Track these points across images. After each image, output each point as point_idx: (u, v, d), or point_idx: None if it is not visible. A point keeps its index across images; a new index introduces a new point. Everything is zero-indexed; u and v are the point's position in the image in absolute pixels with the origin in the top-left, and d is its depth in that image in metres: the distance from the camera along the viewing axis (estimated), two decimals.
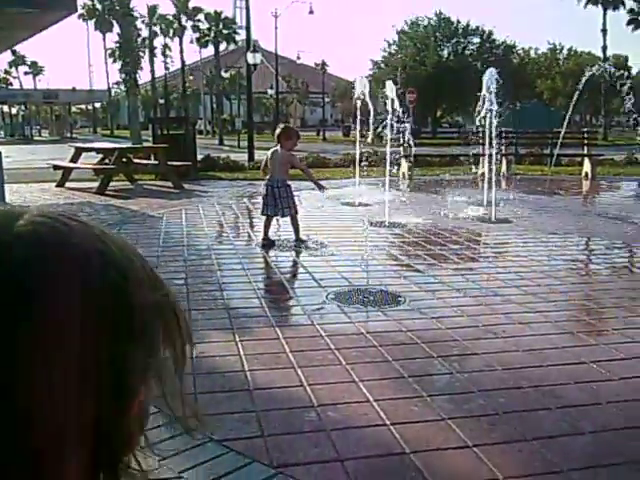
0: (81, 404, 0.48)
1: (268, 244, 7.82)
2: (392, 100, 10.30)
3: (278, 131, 8.02)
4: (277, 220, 8.28)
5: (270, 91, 52.04)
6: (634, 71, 59.54)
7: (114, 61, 55.34)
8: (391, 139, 10.55)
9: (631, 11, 49.66)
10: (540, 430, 3.25)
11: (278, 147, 7.85)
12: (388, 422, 3.29)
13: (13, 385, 0.46)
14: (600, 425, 3.31)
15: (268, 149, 8.25)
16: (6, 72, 72.09)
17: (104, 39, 65.12)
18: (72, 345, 0.48)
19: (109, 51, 60.84)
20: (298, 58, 62.46)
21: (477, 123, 11.23)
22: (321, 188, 8.19)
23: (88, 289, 0.49)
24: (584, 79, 13.35)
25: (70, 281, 0.49)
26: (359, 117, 12.16)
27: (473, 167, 11.84)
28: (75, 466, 0.50)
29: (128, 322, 0.51)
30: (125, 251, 0.54)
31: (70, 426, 0.48)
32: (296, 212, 7.95)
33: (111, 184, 13.54)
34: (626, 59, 59.01)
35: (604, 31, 46.62)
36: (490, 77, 10.82)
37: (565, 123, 14.79)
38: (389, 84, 10.73)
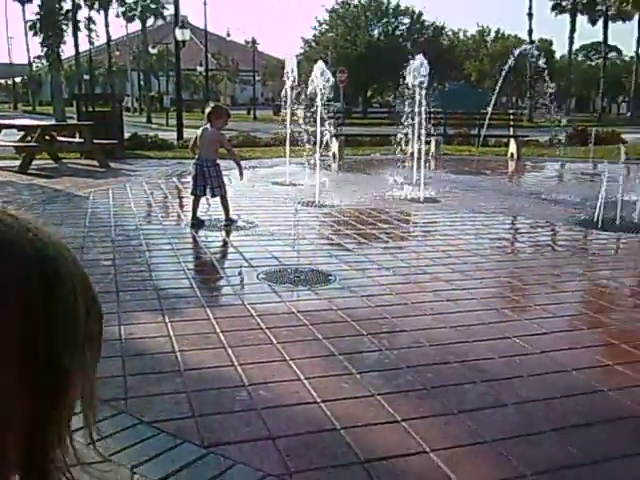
0: (16, 402, 0.48)
1: (197, 224, 7.73)
2: (322, 77, 10.27)
3: (208, 110, 7.89)
4: (207, 200, 8.19)
5: (199, 68, 51.13)
6: (557, 55, 61.36)
7: (35, 34, 53.24)
8: (321, 118, 10.54)
9: None
10: (466, 403, 3.34)
11: (208, 126, 7.75)
12: (319, 399, 3.32)
13: None
14: (522, 397, 3.43)
15: (197, 127, 8.12)
16: None
17: (23, 10, 62.58)
18: (7, 346, 0.47)
19: (29, 23, 58.55)
20: (228, 35, 61.75)
21: (405, 106, 11.34)
22: (241, 175, 8.01)
23: (23, 289, 0.48)
24: (510, 61, 13.66)
25: (4, 281, 0.47)
26: (289, 96, 12.11)
27: (402, 147, 11.98)
28: (4, 462, 0.49)
29: (64, 322, 0.51)
30: (58, 247, 0.53)
31: (3, 423, 0.47)
32: (225, 192, 7.87)
33: (34, 163, 13.09)
34: (550, 43, 60.64)
35: (530, 15, 47.77)
36: (419, 63, 10.92)
37: (492, 104, 15.11)
38: (319, 64, 10.71)
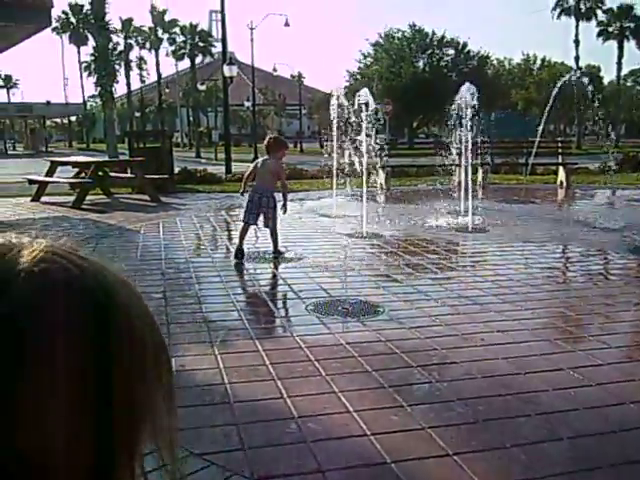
0: (81, 443, 0.48)
1: (241, 254, 7.74)
2: (368, 107, 10.34)
3: (269, 141, 7.97)
4: (255, 231, 8.27)
5: (247, 103, 52.06)
6: (606, 81, 60.61)
7: (89, 74, 55.23)
8: (367, 150, 10.59)
9: (600, 23, 50.58)
10: (519, 437, 3.27)
11: (267, 157, 7.82)
12: (368, 432, 3.29)
13: (13, 429, 0.45)
14: (578, 431, 3.34)
15: (246, 161, 8.30)
16: None
17: (79, 52, 64.97)
18: (77, 391, 0.47)
19: (84, 64, 60.71)
20: (274, 70, 62.54)
21: (451, 136, 11.34)
22: (285, 208, 7.84)
23: (91, 334, 0.48)
24: (557, 88, 13.55)
25: (75, 325, 0.47)
26: (336, 129, 12.21)
27: (449, 177, 11.94)
28: None
29: (139, 363, 0.51)
30: (128, 289, 0.54)
31: (70, 464, 0.48)
32: (276, 224, 7.89)
33: (87, 198, 13.45)
34: (598, 69, 60.01)
35: (577, 42, 47.37)
36: (465, 92, 10.93)
37: (539, 132, 14.97)
38: (364, 91, 10.79)
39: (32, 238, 0.52)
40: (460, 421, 3.46)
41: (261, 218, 7.79)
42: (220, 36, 27.47)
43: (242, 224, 7.90)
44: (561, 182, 16.61)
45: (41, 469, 0.46)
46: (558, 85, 13.60)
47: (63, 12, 62.45)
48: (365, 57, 53.09)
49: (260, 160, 7.95)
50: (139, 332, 0.52)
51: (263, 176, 7.75)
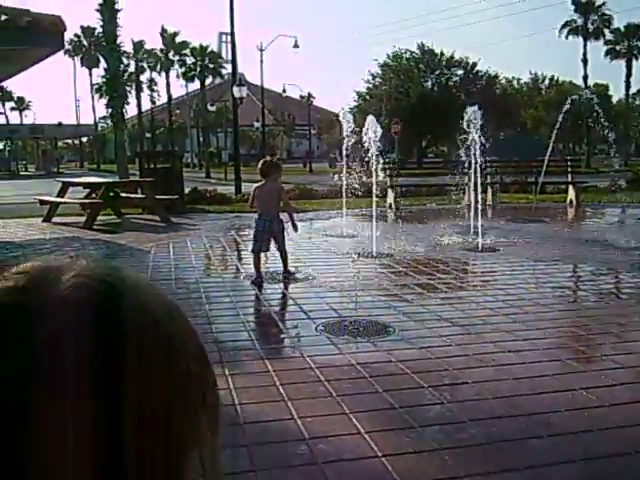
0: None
1: (260, 282, 7.58)
2: (375, 132, 10.41)
3: (265, 164, 7.82)
4: (264, 253, 8.27)
5: (256, 124, 52.36)
6: (614, 100, 60.65)
7: (101, 96, 55.72)
8: (376, 170, 10.63)
9: (608, 42, 50.71)
10: (533, 459, 3.24)
11: (267, 182, 7.65)
12: (380, 454, 3.27)
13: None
14: (591, 453, 3.31)
15: (255, 182, 8.19)
16: None
17: (90, 74, 65.69)
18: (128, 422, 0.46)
19: (95, 86, 61.30)
20: (284, 91, 62.97)
21: (461, 155, 11.38)
22: (295, 227, 7.85)
23: (130, 365, 0.47)
24: (567, 105, 13.57)
25: (113, 354, 0.46)
26: (344, 149, 12.26)
27: (459, 196, 11.96)
28: None
29: (183, 394, 0.50)
30: (173, 313, 0.53)
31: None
32: (285, 245, 7.85)
33: (98, 218, 13.53)
34: (607, 88, 60.06)
35: (585, 61, 47.46)
36: (473, 114, 10.98)
37: (549, 151, 14.98)
38: (370, 118, 10.86)
39: (72, 261, 0.51)
40: (472, 442, 3.43)
41: (272, 243, 7.73)
42: (230, 57, 27.73)
43: (253, 255, 7.71)
44: (571, 201, 16.58)
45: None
46: (567, 104, 13.62)
47: (75, 35, 63.30)
48: (374, 77, 53.36)
49: (257, 185, 7.75)
50: (181, 363, 0.51)
51: (266, 201, 7.62)
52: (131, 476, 0.46)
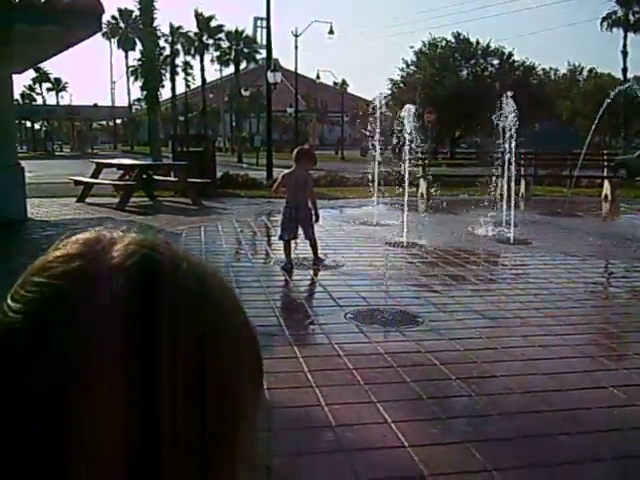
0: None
1: (291, 266, 7.63)
2: (410, 121, 10.34)
3: (300, 152, 7.85)
4: (294, 240, 8.28)
5: (289, 110, 52.36)
6: None
7: (136, 79, 56.17)
8: (409, 159, 10.56)
9: None
10: (560, 455, 3.21)
11: (297, 168, 7.67)
12: (406, 444, 3.27)
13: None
14: (621, 451, 3.27)
15: (287, 167, 8.18)
16: (30, 88, 73.14)
17: (126, 57, 66.27)
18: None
19: (131, 69, 61.78)
20: (318, 77, 62.81)
21: (496, 146, 11.27)
22: (317, 217, 7.78)
23: (186, 329, 0.48)
24: (609, 99, 13.32)
25: (167, 320, 0.47)
26: (378, 136, 12.20)
27: (491, 187, 11.83)
28: None
29: (231, 361, 0.51)
30: (221, 282, 0.54)
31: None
32: (314, 232, 7.85)
33: (131, 200, 13.67)
34: None
35: (624, 53, 46.54)
36: (506, 102, 10.86)
37: (586, 144, 14.75)
38: (407, 107, 10.78)
39: (122, 231, 0.53)
40: (499, 436, 3.42)
41: (300, 231, 7.75)
42: (264, 42, 27.71)
43: (283, 241, 7.74)
44: (606, 195, 16.32)
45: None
46: (612, 95, 13.36)
47: (113, 17, 63.82)
48: (408, 66, 52.94)
49: (286, 172, 7.76)
50: (233, 331, 0.52)
51: (294, 190, 7.63)
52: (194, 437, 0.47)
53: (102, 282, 0.46)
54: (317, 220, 7.83)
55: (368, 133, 12.34)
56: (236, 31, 58.51)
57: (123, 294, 0.46)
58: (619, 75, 47.59)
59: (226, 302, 0.53)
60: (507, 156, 11.10)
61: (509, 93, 11.27)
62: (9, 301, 0.48)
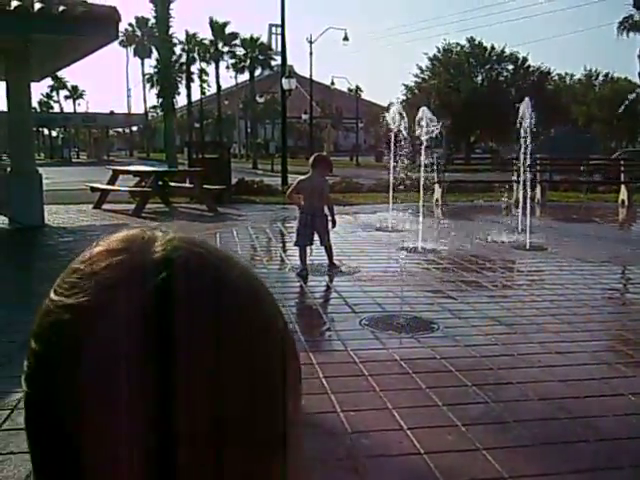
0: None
1: (306, 274, 7.64)
2: (426, 125, 10.33)
3: (317, 158, 7.89)
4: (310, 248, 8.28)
5: (304, 116, 52.48)
6: None
7: (152, 86, 56.55)
8: (424, 165, 10.56)
9: None
10: (578, 463, 3.19)
11: (313, 174, 7.69)
12: (422, 451, 3.26)
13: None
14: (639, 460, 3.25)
15: (302, 173, 8.21)
16: (47, 96, 73.84)
17: (142, 64, 66.75)
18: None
19: (147, 76, 62.21)
20: (332, 84, 62.94)
21: (513, 152, 11.25)
22: (334, 222, 7.81)
23: (231, 326, 0.48)
24: (629, 99, 13.24)
25: (211, 313, 0.47)
26: (393, 143, 12.19)
27: (508, 193, 11.80)
28: None
29: (279, 349, 0.51)
30: (261, 284, 0.54)
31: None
32: (329, 239, 7.86)
33: (147, 206, 13.74)
34: None
35: None
36: (525, 108, 10.83)
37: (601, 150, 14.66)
38: (423, 110, 10.78)
39: (165, 230, 0.53)
40: (516, 444, 3.40)
41: (316, 237, 7.76)
42: (279, 49, 27.82)
43: (298, 248, 7.77)
44: (622, 201, 16.19)
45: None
46: (631, 97, 13.27)
47: (129, 24, 64.29)
48: (422, 71, 52.92)
49: (302, 178, 7.78)
50: (276, 328, 0.52)
51: (311, 196, 7.62)
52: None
53: (148, 274, 0.47)
54: (334, 226, 7.84)
55: (385, 141, 12.32)
56: (251, 38, 58.74)
57: (169, 286, 0.46)
58: (636, 79, 47.26)
59: (270, 302, 0.53)
60: (523, 162, 11.06)
61: (527, 99, 11.24)
62: (53, 295, 0.49)
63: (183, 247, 0.50)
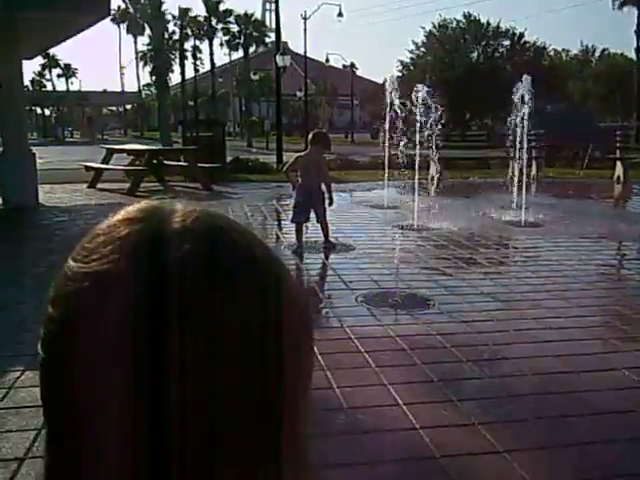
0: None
1: (301, 251, 7.67)
2: (423, 101, 10.28)
3: (317, 135, 7.92)
4: (304, 223, 8.28)
5: (299, 93, 52.15)
6: None
7: (145, 64, 56.11)
8: (420, 142, 10.52)
9: None
10: (572, 437, 3.22)
11: (311, 151, 7.70)
12: (418, 426, 3.28)
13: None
14: (634, 433, 3.27)
15: (297, 151, 8.19)
16: (39, 75, 73.16)
17: (135, 42, 66.04)
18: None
19: (140, 54, 61.68)
20: (327, 60, 62.42)
21: (508, 128, 11.20)
22: (331, 200, 7.83)
23: (255, 295, 0.47)
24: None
25: (237, 282, 0.47)
26: (388, 119, 12.13)
27: (503, 170, 11.78)
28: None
29: (291, 326, 0.50)
30: (273, 252, 0.54)
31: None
32: (326, 215, 7.87)
33: (141, 185, 13.69)
34: None
35: (638, 32, 45.94)
36: (524, 85, 10.77)
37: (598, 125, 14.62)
38: (420, 87, 10.72)
39: (185, 203, 0.53)
40: (510, 418, 3.42)
41: (312, 214, 7.77)
42: (273, 25, 27.56)
43: (295, 224, 7.79)
44: (618, 177, 16.18)
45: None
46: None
47: (123, 1, 63.59)
48: (418, 47, 52.56)
49: (300, 155, 7.78)
50: (296, 301, 0.52)
51: (308, 172, 7.61)
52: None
53: (167, 244, 0.46)
54: (331, 204, 7.84)
55: (378, 122, 12.25)
56: (245, 14, 58.22)
57: (189, 257, 0.46)
58: (632, 55, 47.01)
59: (286, 275, 0.53)
60: (518, 138, 11.02)
61: (526, 76, 11.18)
62: (71, 262, 0.49)
63: (203, 219, 0.50)
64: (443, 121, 10.29)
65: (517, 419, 3.42)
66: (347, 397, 3.61)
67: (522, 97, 10.71)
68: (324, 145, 7.86)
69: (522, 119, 10.81)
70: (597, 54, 63.92)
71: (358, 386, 3.79)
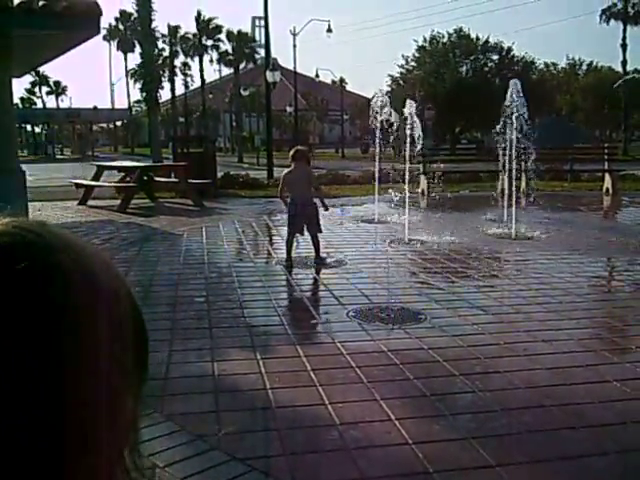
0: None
1: (291, 264, 7.75)
2: (411, 117, 10.35)
3: (299, 151, 8.12)
4: (296, 238, 8.30)
5: (289, 109, 52.28)
6: None
7: (135, 81, 56.11)
8: (410, 156, 10.56)
9: None
10: (565, 450, 3.21)
11: (297, 166, 7.82)
12: (410, 441, 3.27)
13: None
14: (625, 446, 3.27)
15: (288, 166, 8.21)
16: (29, 92, 73.07)
17: (125, 59, 66.13)
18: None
19: (131, 71, 61.71)
20: (317, 76, 62.70)
21: (496, 142, 11.25)
22: (325, 207, 8.06)
23: (55, 313, 0.47)
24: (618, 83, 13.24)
25: (37, 301, 0.46)
26: (378, 134, 12.17)
27: (493, 183, 11.83)
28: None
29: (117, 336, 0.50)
30: (105, 260, 0.53)
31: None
32: (320, 231, 7.92)
33: (132, 202, 13.67)
34: None
35: (624, 46, 46.39)
36: (513, 89, 10.83)
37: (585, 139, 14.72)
38: (409, 102, 10.79)
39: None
40: (503, 432, 3.42)
41: (305, 227, 7.83)
42: (263, 42, 27.69)
43: (287, 236, 7.91)
44: (607, 189, 16.28)
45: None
46: (618, 84, 13.30)
47: (115, 18, 63.71)
48: (408, 62, 52.85)
49: (287, 172, 7.88)
50: (117, 311, 0.51)
51: (299, 185, 7.75)
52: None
53: None
54: (326, 209, 8.09)
55: (368, 137, 12.33)
56: (239, 32, 58.41)
57: None
58: (619, 68, 47.45)
59: (105, 280, 0.51)
60: (507, 151, 11.08)
61: (516, 80, 11.24)
62: None
63: (10, 233, 0.49)
64: (432, 138, 10.39)
65: (510, 432, 3.41)
66: (339, 413, 3.60)
67: (511, 108, 10.76)
68: (307, 161, 8.18)
69: (511, 132, 10.87)
70: (584, 67, 64.45)
71: (350, 402, 3.77)
